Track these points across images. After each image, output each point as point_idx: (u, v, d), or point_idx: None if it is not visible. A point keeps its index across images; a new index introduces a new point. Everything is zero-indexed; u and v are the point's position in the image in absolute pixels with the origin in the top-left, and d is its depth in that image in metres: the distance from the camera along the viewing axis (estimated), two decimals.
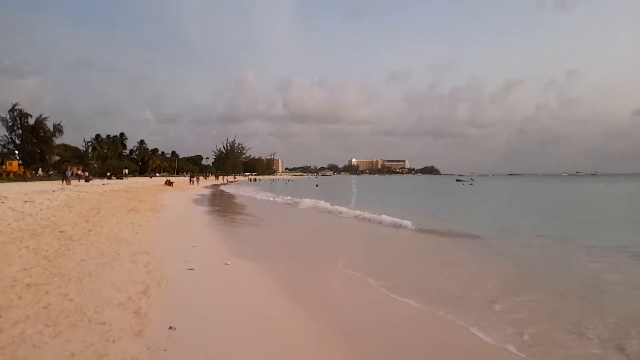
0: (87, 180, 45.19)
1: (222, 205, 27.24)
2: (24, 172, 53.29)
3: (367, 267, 8.45)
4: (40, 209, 13.74)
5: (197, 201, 28.69)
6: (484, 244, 11.72)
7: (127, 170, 73.21)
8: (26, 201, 15.44)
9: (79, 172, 55.94)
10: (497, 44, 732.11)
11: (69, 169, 41.89)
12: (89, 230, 10.43)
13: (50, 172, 66.22)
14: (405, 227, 14.22)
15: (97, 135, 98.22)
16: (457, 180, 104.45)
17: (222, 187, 50.79)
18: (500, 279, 7.73)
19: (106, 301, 5.11)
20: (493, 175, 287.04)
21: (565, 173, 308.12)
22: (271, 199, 32.11)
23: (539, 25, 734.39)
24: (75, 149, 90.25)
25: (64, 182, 32.45)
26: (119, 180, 57.38)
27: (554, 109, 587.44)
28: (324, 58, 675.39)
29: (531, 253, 10.68)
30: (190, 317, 4.95)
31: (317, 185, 72.93)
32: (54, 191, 21.72)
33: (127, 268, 6.96)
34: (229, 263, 8.04)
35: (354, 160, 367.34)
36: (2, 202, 14.52)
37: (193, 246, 9.79)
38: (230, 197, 35.92)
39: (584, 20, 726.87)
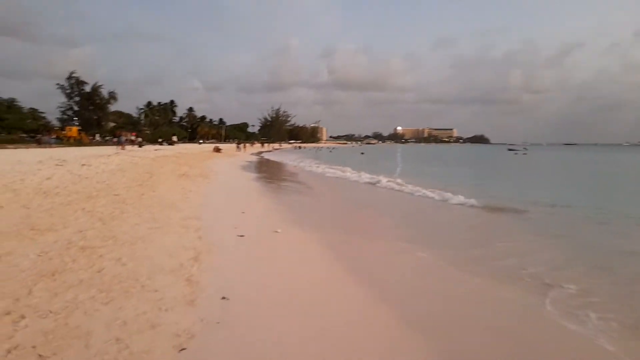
0: (140, 145, 46.79)
1: (270, 172, 27.29)
2: (82, 137, 55.93)
3: (418, 239, 8.00)
4: (97, 172, 14.14)
5: (245, 167, 28.94)
6: (538, 218, 10.83)
7: (175, 137, 74.79)
8: (83, 165, 15.97)
9: (132, 137, 58.06)
10: (554, 5, 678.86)
11: (123, 134, 43.40)
12: (142, 194, 10.53)
13: (107, 138, 69.27)
14: (463, 204, 12.59)
15: (149, 103, 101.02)
16: (509, 150, 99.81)
17: (267, 156, 51.03)
18: (559, 258, 6.99)
19: (158, 267, 4.98)
20: (548, 144, 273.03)
21: (627, 143, 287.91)
22: (319, 169, 29.47)
23: None
24: (129, 115, 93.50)
25: (119, 147, 33.68)
26: (170, 146, 59.21)
27: (617, 73, 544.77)
28: (369, 24, 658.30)
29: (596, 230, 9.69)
30: (242, 287, 4.73)
31: (362, 153, 72.00)
32: (109, 156, 22.49)
33: (178, 233, 6.87)
34: (279, 231, 7.80)
35: (399, 128, 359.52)
36: (61, 165, 15.08)
37: (243, 212, 9.66)
38: (278, 165, 36.00)
39: None
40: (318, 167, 31.12)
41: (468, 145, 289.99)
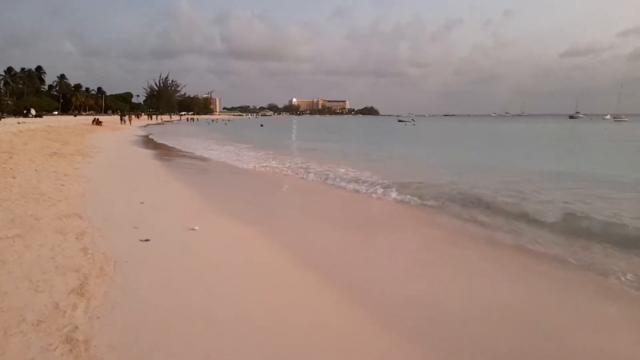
0: None
1: (167, 147, 24.24)
2: None
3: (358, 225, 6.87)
4: None
5: (136, 142, 25.42)
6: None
7: (33, 110, 61.00)
8: None
9: None
10: None
11: None
12: None
13: None
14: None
15: (10, 69, 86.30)
16: (399, 121, 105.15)
17: (154, 136, 46.31)
18: None
19: (12, 320, 3.03)
20: (430, 116, 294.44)
21: (494, 114, 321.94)
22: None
23: None
24: None
25: None
26: (38, 118, 50.85)
27: (489, 48, 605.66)
28: None
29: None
30: (161, 338, 3.04)
31: (261, 125, 69.60)
32: None
33: (51, 243, 4.76)
34: (196, 228, 6.01)
35: (294, 100, 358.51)
36: None
37: (141, 202, 7.56)
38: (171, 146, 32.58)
39: None
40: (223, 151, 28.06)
41: (359, 116, 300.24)
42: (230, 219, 7.02)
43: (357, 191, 10.39)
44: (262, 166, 15.13)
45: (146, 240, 5.27)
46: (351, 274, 4.74)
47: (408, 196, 9.25)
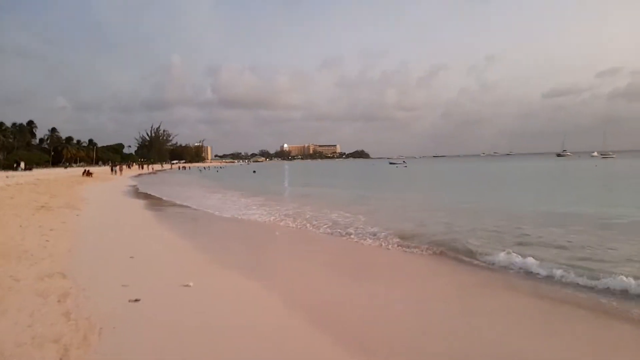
0: None
1: (161, 195, 23.78)
2: None
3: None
4: None
5: (128, 193, 24.96)
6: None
7: (23, 163, 59.74)
8: None
9: None
10: (425, 30, 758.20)
11: None
12: None
13: None
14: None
15: (1, 123, 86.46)
16: (391, 164, 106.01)
17: (143, 186, 45.85)
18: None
19: None
20: (420, 157, 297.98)
21: (483, 153, 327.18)
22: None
23: (463, 13, 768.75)
24: None
25: None
26: (29, 172, 50.34)
27: (475, 92, 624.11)
28: (256, 41, 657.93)
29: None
30: None
31: (254, 172, 69.49)
32: None
33: (30, 307, 4.30)
34: (191, 284, 5.57)
35: (285, 145, 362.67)
36: None
37: (131, 257, 7.12)
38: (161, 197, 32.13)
39: (501, 9, 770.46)
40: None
41: (350, 160, 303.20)
42: (227, 271, 6.60)
43: (355, 240, 9.99)
44: (256, 214, 14.76)
45: (136, 300, 4.82)
46: (369, 334, 4.30)
47: (407, 243, 8.96)
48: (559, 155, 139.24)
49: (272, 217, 13.81)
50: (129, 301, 4.78)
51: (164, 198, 21.82)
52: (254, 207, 16.76)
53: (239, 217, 14.28)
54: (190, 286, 5.50)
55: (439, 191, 25.53)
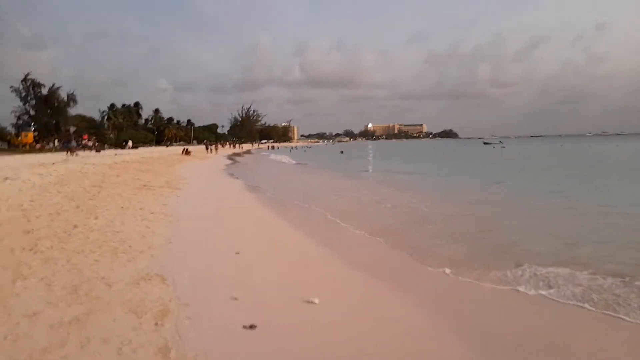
0: (97, 150, 41.78)
1: (269, 174, 23.29)
2: (36, 144, 49.99)
3: None
4: (20, 190, 10.13)
5: (226, 172, 24.86)
6: None
7: (130, 142, 64.78)
8: (7, 178, 11.86)
9: (85, 141, 52.47)
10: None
11: (72, 138, 38.45)
12: (74, 227, 6.71)
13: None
14: None
15: (112, 105, 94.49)
16: (485, 144, 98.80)
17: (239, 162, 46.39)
18: None
19: None
20: (515, 137, 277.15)
21: (589, 133, 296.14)
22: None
23: None
24: (92, 119, 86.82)
25: (68, 153, 29.05)
26: (134, 150, 54.05)
27: (580, 65, 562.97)
28: (342, 19, 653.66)
29: None
30: None
31: (342, 152, 68.39)
32: (53, 163, 18.20)
33: (119, 336, 3.21)
34: (316, 301, 4.22)
35: (370, 125, 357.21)
36: None
37: (237, 253, 5.99)
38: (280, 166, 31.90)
39: None
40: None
41: (438, 139, 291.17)
42: (371, 278, 5.15)
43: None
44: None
45: (251, 327, 3.55)
46: None
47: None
48: None
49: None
50: (244, 328, 3.53)
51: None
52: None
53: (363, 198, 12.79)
54: (315, 303, 4.16)
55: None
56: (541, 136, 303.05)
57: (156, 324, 3.45)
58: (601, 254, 6.32)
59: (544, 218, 9.73)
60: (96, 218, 7.58)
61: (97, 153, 36.73)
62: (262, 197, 13.43)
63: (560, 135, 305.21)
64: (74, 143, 32.17)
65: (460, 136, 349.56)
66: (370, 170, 28.63)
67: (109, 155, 31.56)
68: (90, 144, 50.48)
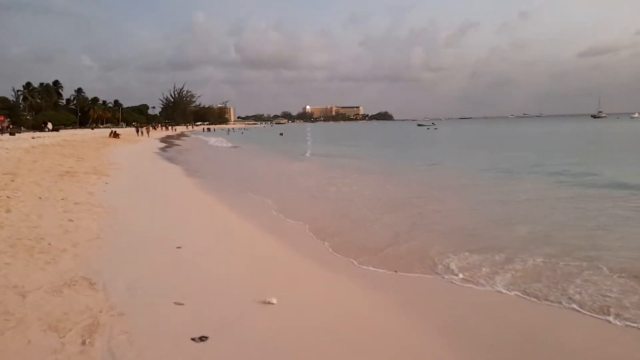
0: (12, 133, 37.79)
1: (208, 157, 22.11)
2: None
3: None
4: None
5: (161, 157, 23.37)
6: None
7: (50, 124, 59.11)
8: None
9: None
10: None
11: None
12: None
13: None
14: None
15: (28, 84, 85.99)
16: (419, 125, 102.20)
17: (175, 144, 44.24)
18: None
19: None
20: (446, 119, 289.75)
21: (512, 115, 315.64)
22: None
23: None
24: (4, 99, 78.23)
25: None
26: (55, 132, 49.63)
27: (506, 51, 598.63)
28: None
29: None
30: None
31: (281, 134, 67.54)
32: None
33: (39, 343, 2.59)
34: (274, 301, 3.78)
35: (308, 107, 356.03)
36: None
37: (178, 247, 5.38)
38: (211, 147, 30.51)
39: None
40: None
41: (374, 122, 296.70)
42: (330, 271, 4.79)
43: None
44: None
45: (201, 338, 3.06)
46: None
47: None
48: (594, 116, 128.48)
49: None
50: (192, 340, 3.03)
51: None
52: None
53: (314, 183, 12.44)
54: (273, 304, 3.72)
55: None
56: (470, 118, 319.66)
57: (84, 342, 2.85)
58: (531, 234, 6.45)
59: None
60: (8, 211, 6.54)
61: (12, 136, 33.20)
62: (203, 183, 12.66)
63: (486, 117, 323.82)
64: None
65: (395, 118, 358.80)
66: (309, 154, 28.42)
67: (25, 138, 28.60)
68: (3, 126, 45.56)
